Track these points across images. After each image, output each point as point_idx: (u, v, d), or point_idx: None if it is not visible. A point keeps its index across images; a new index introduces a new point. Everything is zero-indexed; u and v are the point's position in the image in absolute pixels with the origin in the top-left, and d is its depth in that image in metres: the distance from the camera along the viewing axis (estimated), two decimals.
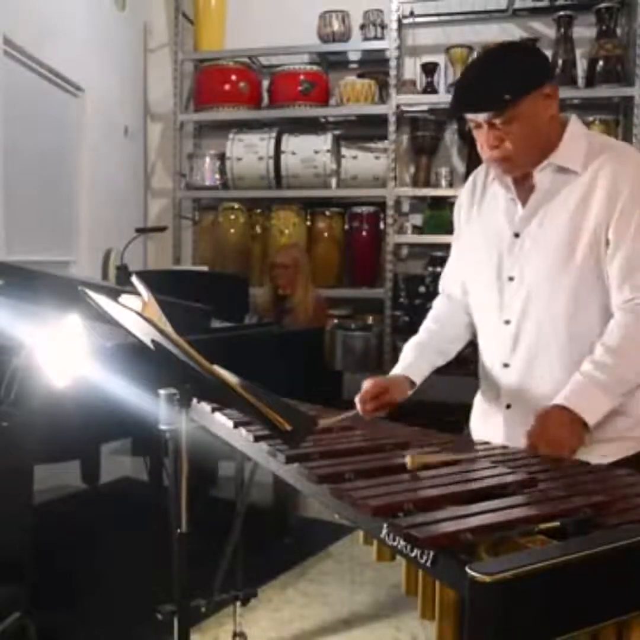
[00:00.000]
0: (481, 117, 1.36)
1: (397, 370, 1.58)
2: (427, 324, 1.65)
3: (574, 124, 1.44)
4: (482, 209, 1.55)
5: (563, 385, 1.36)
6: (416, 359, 1.58)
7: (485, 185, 1.55)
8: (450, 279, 1.67)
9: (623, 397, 1.35)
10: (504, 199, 1.49)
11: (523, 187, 1.45)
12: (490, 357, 1.53)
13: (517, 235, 1.45)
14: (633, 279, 1.35)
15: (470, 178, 1.60)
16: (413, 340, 1.62)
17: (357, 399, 1.51)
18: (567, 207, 1.40)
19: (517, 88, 1.33)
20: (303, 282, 3.48)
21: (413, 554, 0.87)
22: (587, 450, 1.32)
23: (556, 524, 0.90)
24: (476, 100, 1.37)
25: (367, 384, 1.52)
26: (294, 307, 3.45)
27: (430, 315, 1.67)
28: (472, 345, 1.64)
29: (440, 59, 4.04)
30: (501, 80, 1.35)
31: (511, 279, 1.46)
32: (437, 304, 1.68)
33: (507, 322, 1.46)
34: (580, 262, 1.38)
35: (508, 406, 1.49)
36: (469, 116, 1.40)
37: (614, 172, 1.36)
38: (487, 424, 1.54)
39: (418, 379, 1.56)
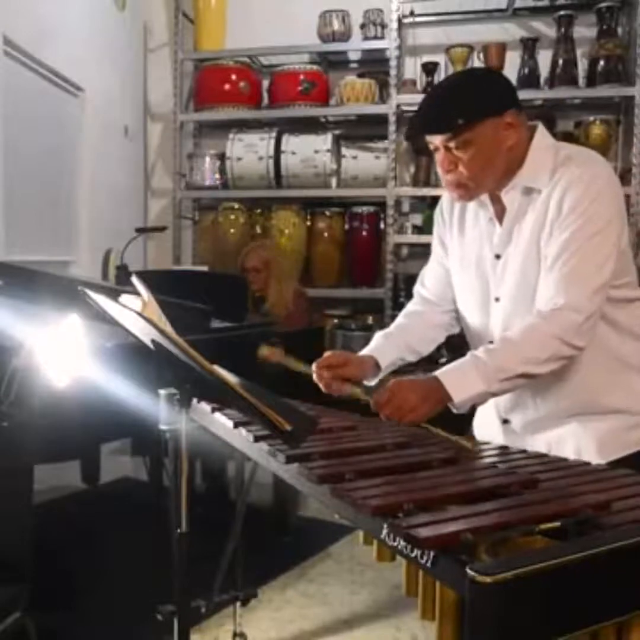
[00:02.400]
0: (437, 139, 1.37)
1: (362, 352, 1.55)
2: (398, 319, 1.64)
3: (539, 138, 1.41)
4: (464, 229, 1.53)
5: (553, 401, 1.38)
6: (383, 345, 1.56)
7: (464, 204, 1.52)
8: (427, 286, 1.64)
9: (502, 386, 1.31)
10: (484, 218, 1.48)
11: (499, 206, 1.44)
12: None
13: (498, 256, 1.45)
14: (562, 293, 1.31)
15: (445, 196, 1.56)
16: (381, 331, 1.61)
17: (313, 365, 1.47)
18: (534, 226, 1.39)
19: (471, 112, 1.33)
20: (276, 280, 3.44)
21: (413, 555, 0.87)
22: (588, 447, 1.33)
23: (557, 524, 0.89)
24: (431, 121, 1.38)
25: (327, 353, 1.49)
26: (272, 307, 3.43)
27: (403, 312, 1.66)
28: None
29: (440, 58, 4.03)
30: (457, 104, 1.36)
31: (497, 299, 1.46)
32: (410, 304, 1.68)
33: (492, 342, 1.45)
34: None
35: (505, 421, 1.50)
36: (428, 138, 1.40)
37: (567, 182, 1.34)
38: (488, 436, 1.52)
39: (382, 362, 1.53)
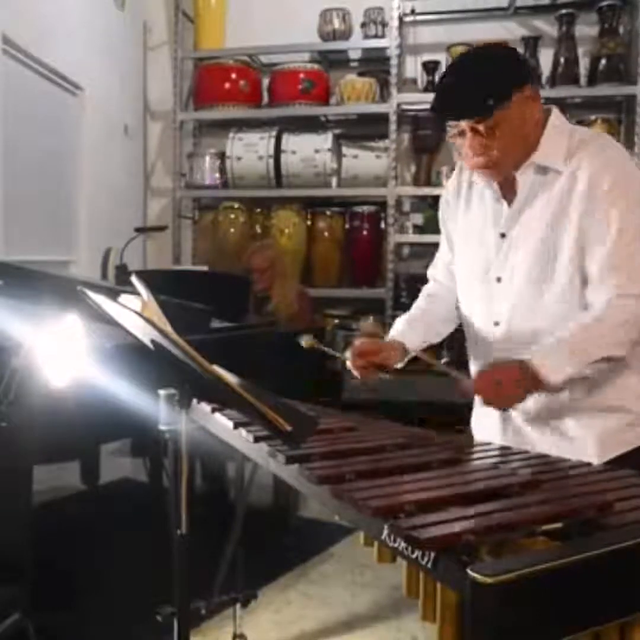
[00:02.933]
0: (464, 123, 1.33)
1: (388, 337, 1.57)
2: (418, 303, 1.66)
3: (555, 119, 1.41)
4: (469, 208, 1.52)
5: (554, 394, 1.36)
6: (407, 330, 1.58)
7: (470, 183, 1.52)
8: (439, 269, 1.67)
9: (585, 369, 1.32)
10: (490, 198, 1.47)
11: (508, 185, 1.43)
12: (480, 357, 1.52)
13: (503, 235, 1.44)
14: (612, 277, 1.32)
15: (454, 175, 1.57)
16: (403, 316, 1.62)
17: (347, 354, 1.50)
18: (548, 208, 1.38)
19: (500, 92, 1.30)
20: (279, 281, 3.44)
21: (414, 556, 0.87)
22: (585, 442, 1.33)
23: (558, 525, 0.89)
24: (459, 105, 1.34)
25: (358, 341, 1.51)
26: (276, 307, 3.42)
27: (421, 295, 1.67)
28: None
29: (441, 57, 4.03)
30: (484, 85, 1.32)
31: (499, 280, 1.45)
32: (427, 287, 1.69)
33: (496, 323, 1.46)
34: (564, 263, 1.37)
35: (504, 410, 1.47)
36: (451, 123, 1.37)
37: (591, 169, 1.34)
38: (485, 424, 1.54)
39: (410, 345, 1.55)
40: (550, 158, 1.37)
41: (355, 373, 1.50)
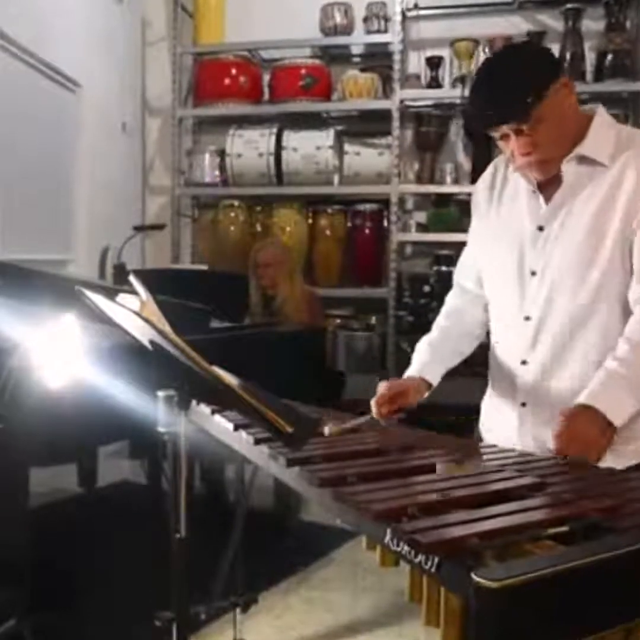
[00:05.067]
0: (506, 126, 1.34)
1: (412, 371, 1.57)
2: (440, 321, 1.64)
3: (601, 115, 1.41)
4: (502, 201, 1.52)
5: (583, 384, 1.34)
6: (431, 360, 1.58)
7: (505, 176, 1.53)
8: (465, 271, 1.64)
9: None
10: (526, 191, 1.46)
11: (546, 180, 1.42)
12: (507, 353, 1.51)
13: (541, 228, 1.43)
14: None
15: (490, 168, 1.58)
16: (426, 339, 1.62)
17: (373, 402, 1.49)
18: (593, 201, 1.38)
19: (536, 89, 1.31)
20: (286, 278, 3.41)
21: (417, 560, 0.86)
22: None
23: (565, 528, 0.88)
24: (501, 112, 1.35)
25: (382, 387, 1.51)
26: (281, 305, 3.40)
27: (443, 310, 1.66)
28: (479, 345, 1.64)
29: (445, 52, 4.01)
30: (520, 85, 1.33)
31: (533, 273, 1.44)
32: (450, 298, 1.67)
33: (528, 318, 1.44)
34: (606, 258, 1.36)
35: (523, 404, 1.47)
36: (494, 128, 1.38)
37: None
38: (500, 422, 1.53)
39: (434, 381, 1.56)
40: (597, 150, 1.38)
41: (379, 419, 1.49)
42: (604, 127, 1.39)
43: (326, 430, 1.36)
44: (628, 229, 1.34)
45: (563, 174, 1.40)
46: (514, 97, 1.32)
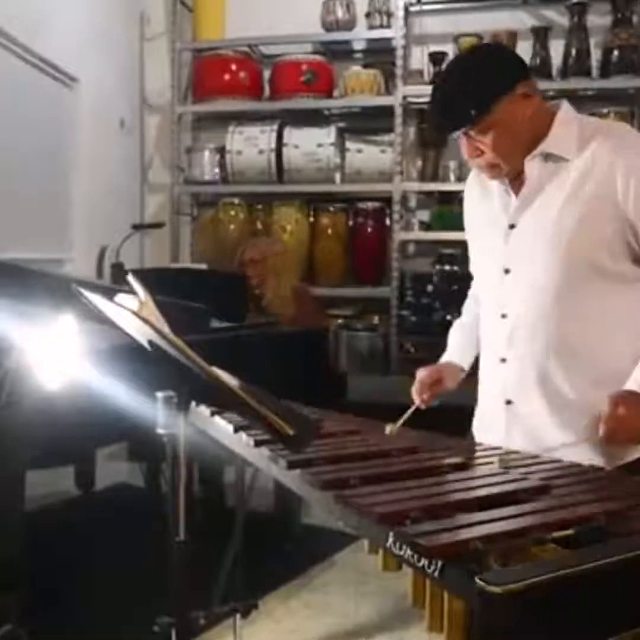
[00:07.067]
0: (455, 132, 1.42)
1: (446, 356, 1.68)
2: (469, 305, 1.72)
3: (564, 111, 1.45)
4: (483, 202, 1.57)
5: (560, 381, 1.38)
6: (462, 346, 1.67)
7: (485, 179, 1.56)
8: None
9: None
10: (498, 189, 1.51)
11: (517, 178, 1.47)
12: (488, 352, 1.56)
13: (512, 226, 1.47)
14: None
15: (472, 173, 1.63)
16: (458, 324, 1.72)
17: (413, 390, 1.60)
18: (560, 195, 1.40)
19: (482, 101, 1.36)
20: (273, 275, 3.40)
21: (420, 564, 0.86)
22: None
23: (570, 532, 0.88)
24: (446, 119, 1.43)
25: (421, 374, 1.62)
26: (270, 303, 3.39)
27: (470, 293, 1.72)
28: None
29: (448, 48, 3.98)
30: (466, 95, 1.39)
31: (507, 271, 1.47)
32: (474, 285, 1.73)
33: (504, 316, 1.48)
34: (575, 250, 1.38)
35: (508, 402, 1.50)
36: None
37: (613, 151, 1.36)
38: (488, 422, 1.56)
39: (467, 364, 1.66)
40: (560, 146, 1.41)
41: (419, 403, 1.60)
42: (566, 122, 1.42)
43: (387, 429, 1.45)
44: (592, 214, 1.34)
45: (526, 172, 1.43)
46: (458, 106, 1.38)
